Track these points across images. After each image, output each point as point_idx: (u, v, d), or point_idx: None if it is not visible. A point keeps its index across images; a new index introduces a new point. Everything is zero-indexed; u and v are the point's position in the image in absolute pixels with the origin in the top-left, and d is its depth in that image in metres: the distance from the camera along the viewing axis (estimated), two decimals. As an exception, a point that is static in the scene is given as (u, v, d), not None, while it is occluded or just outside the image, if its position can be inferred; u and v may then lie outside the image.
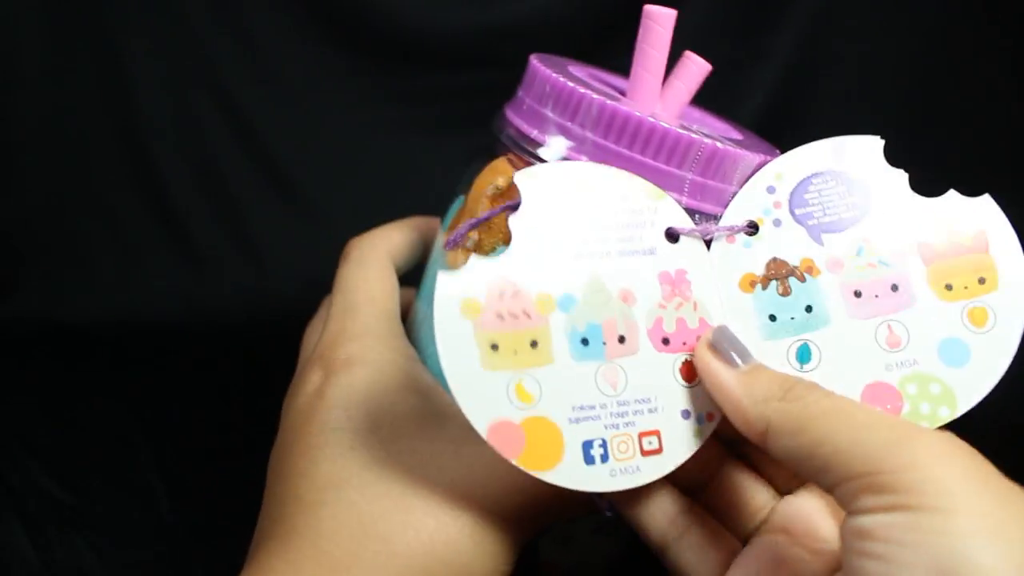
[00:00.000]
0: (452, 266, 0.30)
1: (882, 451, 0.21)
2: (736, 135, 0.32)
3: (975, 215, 0.29)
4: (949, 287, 0.28)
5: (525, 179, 0.26)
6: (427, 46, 0.54)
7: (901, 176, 0.29)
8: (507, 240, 0.28)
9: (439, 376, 0.30)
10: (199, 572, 0.42)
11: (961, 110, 0.52)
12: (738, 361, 0.26)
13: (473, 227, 0.28)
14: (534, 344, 0.25)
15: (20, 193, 0.54)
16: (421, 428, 0.27)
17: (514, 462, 0.24)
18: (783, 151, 0.30)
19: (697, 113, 0.34)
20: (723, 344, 0.26)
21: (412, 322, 0.33)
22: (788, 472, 0.28)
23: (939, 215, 0.29)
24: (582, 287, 0.26)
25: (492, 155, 0.31)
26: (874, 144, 0.29)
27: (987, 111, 0.53)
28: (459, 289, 0.24)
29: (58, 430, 0.48)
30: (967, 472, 0.21)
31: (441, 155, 0.48)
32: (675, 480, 0.28)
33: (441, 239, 0.32)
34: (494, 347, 0.24)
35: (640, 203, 0.27)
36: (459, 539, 0.25)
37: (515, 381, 0.24)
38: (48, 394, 0.50)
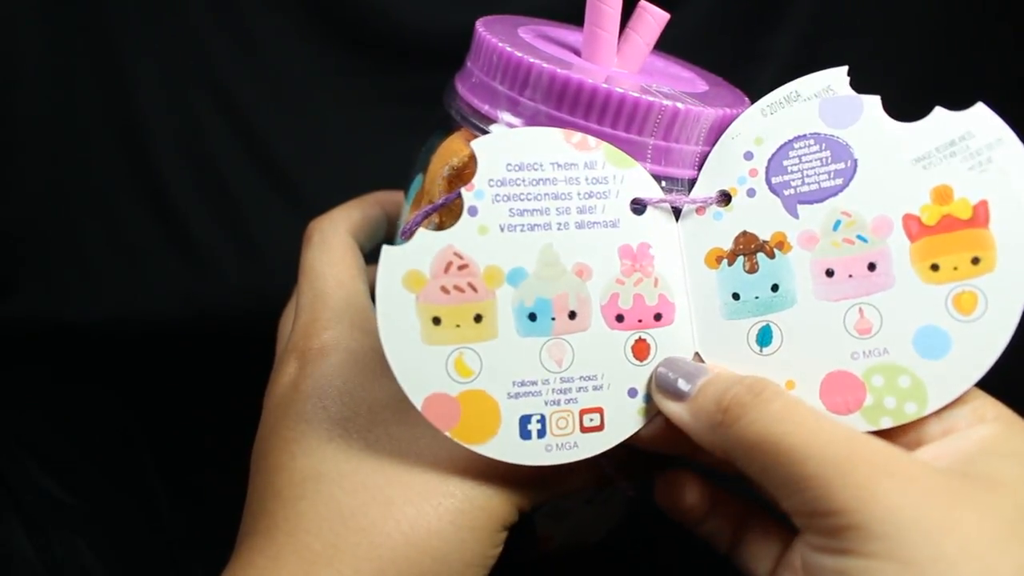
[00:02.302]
0: None
1: (823, 488, 0.21)
2: (701, 85, 0.30)
3: (978, 182, 0.25)
4: (935, 267, 0.25)
5: (482, 146, 0.25)
6: (427, 46, 0.54)
7: (896, 132, 0.26)
8: None
9: None
10: (199, 572, 0.42)
11: (962, 110, 0.52)
12: (684, 388, 0.25)
13: (427, 215, 0.27)
14: (478, 318, 0.24)
15: (20, 193, 0.54)
16: (398, 413, 0.27)
17: (447, 434, 0.24)
18: (754, 101, 0.28)
19: (660, 62, 0.32)
20: (666, 379, 0.26)
21: None
22: None
23: (932, 180, 0.25)
24: (535, 261, 0.25)
25: (447, 130, 0.30)
26: (866, 100, 0.26)
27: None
28: (403, 261, 0.24)
29: (58, 430, 0.48)
30: (926, 506, 0.20)
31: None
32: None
33: (406, 214, 0.32)
34: (436, 320, 0.24)
35: (606, 171, 0.26)
36: (440, 527, 0.25)
37: (455, 355, 0.24)
38: (48, 394, 0.50)
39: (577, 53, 0.30)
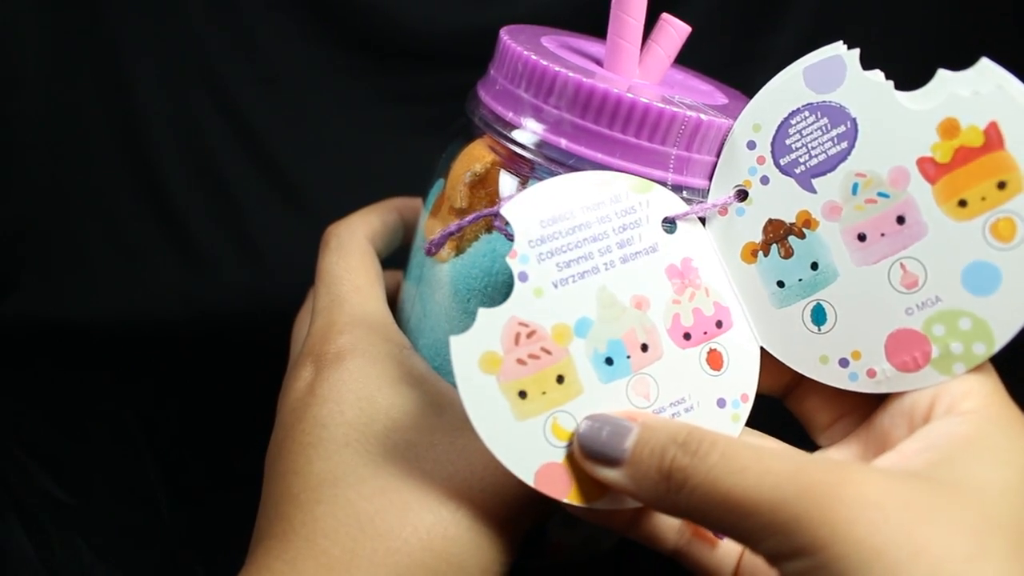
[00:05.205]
0: (438, 259, 0.30)
1: (783, 534, 0.20)
2: (721, 98, 0.31)
3: (980, 105, 0.24)
4: (963, 203, 0.24)
5: (512, 211, 0.25)
6: (427, 46, 0.54)
7: (884, 83, 0.26)
8: (490, 229, 0.28)
9: (432, 361, 0.30)
10: (199, 572, 0.42)
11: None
12: (616, 454, 0.24)
13: (450, 235, 0.27)
14: (560, 379, 0.24)
15: (21, 193, 0.54)
16: (416, 420, 0.27)
17: (565, 501, 0.24)
18: None
19: (680, 75, 0.33)
20: (593, 444, 0.24)
21: (400, 306, 0.33)
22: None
23: (935, 117, 0.24)
24: (595, 306, 0.25)
25: (469, 136, 0.30)
26: (846, 56, 0.26)
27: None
28: (474, 345, 0.24)
29: (58, 430, 0.48)
30: (889, 531, 0.20)
31: (441, 155, 0.48)
32: None
33: (424, 220, 0.32)
34: (522, 394, 0.24)
35: (631, 200, 0.26)
36: (457, 533, 0.25)
37: (550, 422, 0.24)
38: (48, 394, 0.50)
39: (599, 63, 0.30)
